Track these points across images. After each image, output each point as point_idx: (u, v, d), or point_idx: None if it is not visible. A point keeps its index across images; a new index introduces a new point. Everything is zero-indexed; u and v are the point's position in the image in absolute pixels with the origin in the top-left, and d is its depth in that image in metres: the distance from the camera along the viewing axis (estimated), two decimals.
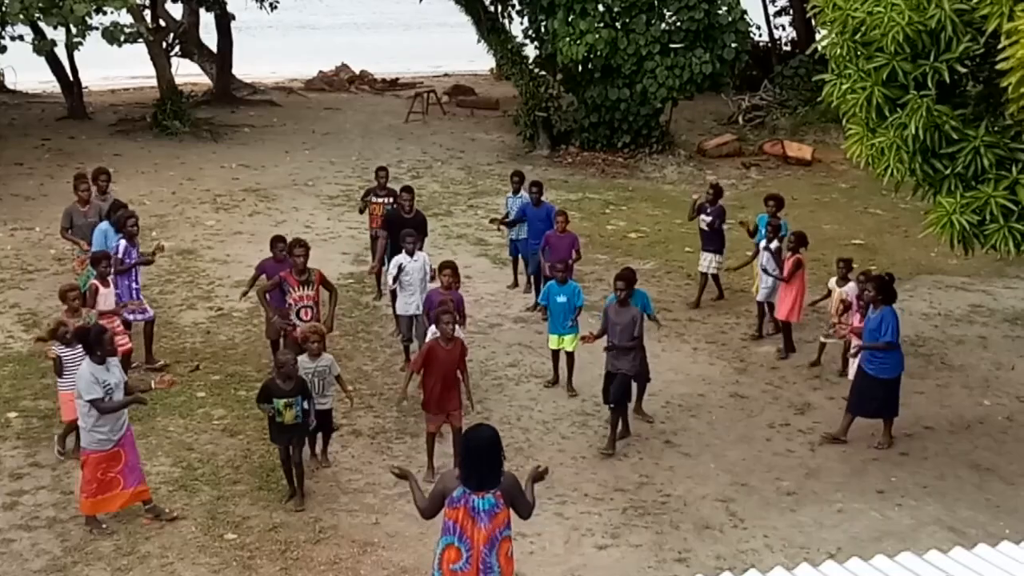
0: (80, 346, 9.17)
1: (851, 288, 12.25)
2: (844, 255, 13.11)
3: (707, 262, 14.65)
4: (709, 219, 14.55)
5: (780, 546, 9.20)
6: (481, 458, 6.83)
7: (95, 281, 11.33)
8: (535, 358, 12.85)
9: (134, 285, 12.15)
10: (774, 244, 13.35)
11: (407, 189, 14.03)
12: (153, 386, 9.49)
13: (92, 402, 8.74)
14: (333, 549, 8.95)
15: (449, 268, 11.41)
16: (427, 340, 10.30)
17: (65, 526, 9.14)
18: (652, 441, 11.06)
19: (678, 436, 11.19)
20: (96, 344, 8.84)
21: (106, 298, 11.31)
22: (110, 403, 8.77)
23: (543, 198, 14.69)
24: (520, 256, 15.12)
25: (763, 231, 13.61)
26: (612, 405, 10.68)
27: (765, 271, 13.33)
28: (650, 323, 11.34)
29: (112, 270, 11.54)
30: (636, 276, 11.07)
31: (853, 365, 11.31)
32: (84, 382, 8.74)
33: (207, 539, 9.03)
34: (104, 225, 12.55)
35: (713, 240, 14.61)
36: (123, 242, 12.13)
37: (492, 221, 15.74)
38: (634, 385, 11.10)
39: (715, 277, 14.80)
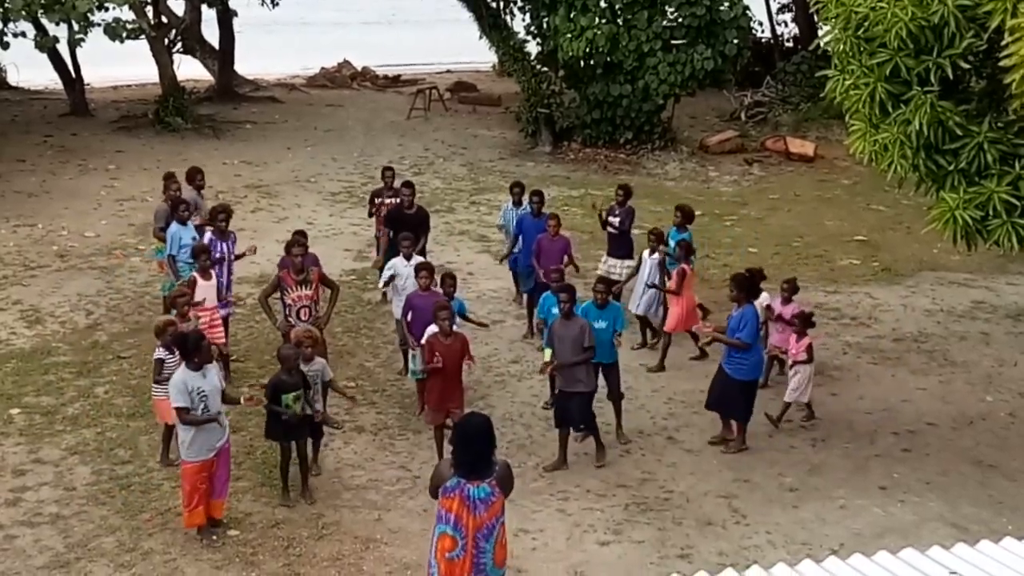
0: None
1: (764, 297, 11.74)
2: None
3: (609, 266, 13.70)
4: (617, 220, 13.82)
5: (783, 542, 9.21)
6: (473, 445, 6.85)
7: (195, 274, 11.36)
8: (537, 355, 12.80)
9: (222, 279, 12.03)
10: (656, 256, 12.97)
11: (407, 184, 13.89)
12: (242, 402, 9.38)
13: (178, 411, 8.63)
14: (336, 545, 8.96)
15: (425, 270, 11.24)
16: (426, 336, 10.29)
17: (68, 522, 9.16)
18: (654, 437, 11.06)
19: (680, 432, 11.19)
20: (194, 350, 8.70)
21: (205, 291, 11.30)
22: (194, 416, 8.63)
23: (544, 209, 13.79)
24: (518, 272, 14.13)
25: (673, 247, 13.00)
26: (583, 428, 10.35)
27: (654, 286, 12.86)
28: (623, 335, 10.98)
29: (209, 263, 11.52)
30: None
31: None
32: (175, 389, 8.64)
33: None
34: (173, 228, 12.27)
35: (621, 244, 13.85)
36: (209, 234, 12.20)
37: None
38: (609, 403, 10.91)
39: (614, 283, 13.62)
